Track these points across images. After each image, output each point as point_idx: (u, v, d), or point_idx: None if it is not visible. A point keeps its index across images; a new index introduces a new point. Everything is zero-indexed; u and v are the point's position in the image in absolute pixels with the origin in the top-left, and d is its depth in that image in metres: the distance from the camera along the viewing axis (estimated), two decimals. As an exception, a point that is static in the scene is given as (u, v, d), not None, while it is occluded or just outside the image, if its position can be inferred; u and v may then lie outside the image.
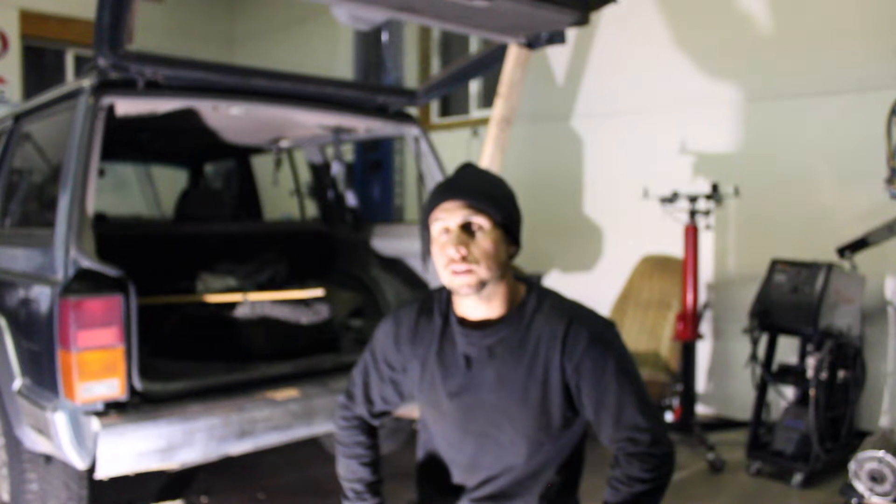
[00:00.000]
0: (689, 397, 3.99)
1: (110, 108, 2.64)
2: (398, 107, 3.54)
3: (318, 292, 3.40)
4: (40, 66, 7.12)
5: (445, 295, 1.65)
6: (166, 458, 2.40)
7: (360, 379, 1.76)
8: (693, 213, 4.00)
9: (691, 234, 4.01)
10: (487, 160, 3.40)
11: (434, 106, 6.57)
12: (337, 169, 3.82)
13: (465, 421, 1.60)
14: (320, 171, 4.31)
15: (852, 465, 2.73)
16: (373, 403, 1.74)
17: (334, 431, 1.79)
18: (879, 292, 3.93)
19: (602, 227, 5.17)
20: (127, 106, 2.77)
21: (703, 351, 4.46)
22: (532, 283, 1.64)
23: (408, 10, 2.80)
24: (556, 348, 1.53)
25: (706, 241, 4.35)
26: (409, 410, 2.18)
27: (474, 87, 6.22)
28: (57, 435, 2.31)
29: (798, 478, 3.45)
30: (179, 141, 4.27)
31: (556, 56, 5.27)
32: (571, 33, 3.34)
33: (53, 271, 2.44)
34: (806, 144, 4.24)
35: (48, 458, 2.58)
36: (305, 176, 4.57)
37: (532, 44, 3.19)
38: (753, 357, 3.62)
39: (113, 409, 2.37)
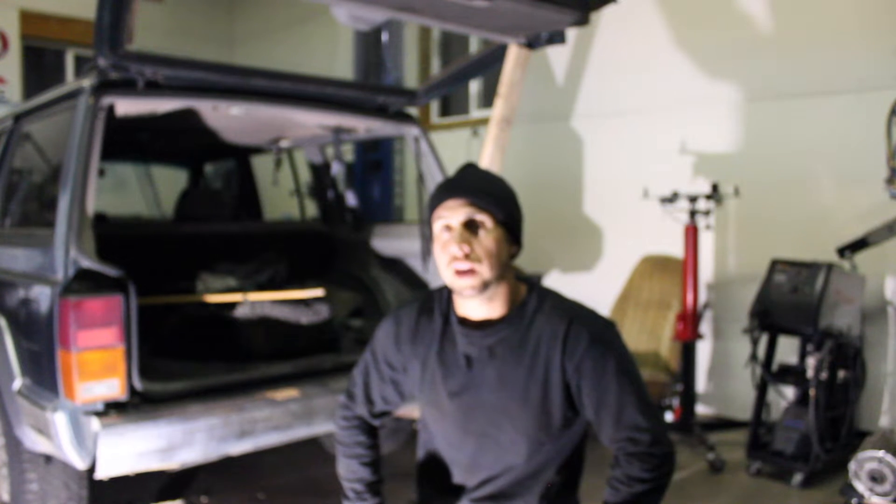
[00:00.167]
0: (689, 397, 3.99)
1: (110, 108, 2.63)
2: (398, 107, 3.54)
3: (318, 292, 3.40)
4: (40, 66, 7.11)
5: (446, 294, 1.65)
6: (166, 458, 2.40)
7: (360, 379, 1.76)
8: (693, 213, 4.00)
9: (691, 234, 4.01)
10: (487, 160, 3.40)
11: (434, 106, 6.56)
12: (337, 169, 3.81)
13: (466, 421, 1.60)
14: (320, 171, 4.31)
15: (852, 465, 2.74)
16: (373, 403, 1.74)
17: (335, 431, 1.79)
18: (879, 292, 3.93)
19: (602, 227, 5.17)
20: (127, 106, 2.77)
21: (703, 351, 4.46)
22: (533, 283, 1.64)
23: (408, 10, 2.80)
24: (556, 348, 1.53)
25: (706, 241, 4.35)
26: (410, 410, 2.18)
27: (474, 87, 6.22)
28: (57, 435, 2.30)
29: (798, 478, 3.45)
30: (179, 141, 4.27)
31: (556, 56, 5.27)
32: (571, 33, 3.34)
33: (53, 271, 2.44)
34: (806, 144, 4.24)
35: (48, 458, 2.58)
36: (305, 176, 4.57)
37: (532, 44, 3.19)
38: (753, 357, 3.62)
39: (113, 409, 2.37)
